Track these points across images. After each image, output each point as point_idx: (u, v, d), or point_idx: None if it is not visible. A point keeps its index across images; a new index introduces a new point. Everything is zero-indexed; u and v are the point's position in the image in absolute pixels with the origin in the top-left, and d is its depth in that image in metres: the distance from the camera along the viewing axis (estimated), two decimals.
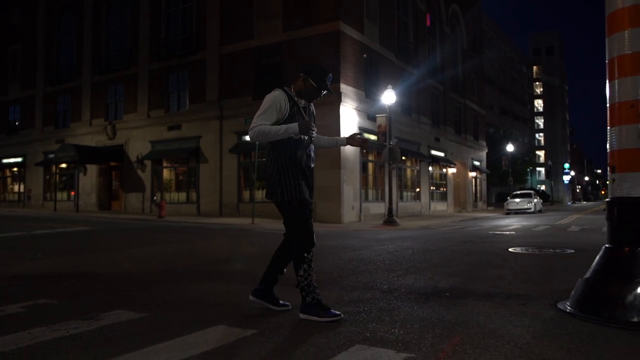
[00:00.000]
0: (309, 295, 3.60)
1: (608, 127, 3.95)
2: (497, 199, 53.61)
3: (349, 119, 20.00)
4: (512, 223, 19.08)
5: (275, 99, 3.69)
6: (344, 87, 19.84)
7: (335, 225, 17.58)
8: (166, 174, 25.70)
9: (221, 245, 9.98)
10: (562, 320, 3.58)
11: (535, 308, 3.93)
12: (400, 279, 5.37)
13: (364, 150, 21.75)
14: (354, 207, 20.48)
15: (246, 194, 22.01)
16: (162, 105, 25.21)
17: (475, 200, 38.31)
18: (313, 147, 3.92)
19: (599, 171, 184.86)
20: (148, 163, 25.35)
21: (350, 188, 20.15)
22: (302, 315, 3.59)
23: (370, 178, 22.98)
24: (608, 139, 3.95)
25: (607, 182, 4.01)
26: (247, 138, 20.91)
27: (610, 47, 3.93)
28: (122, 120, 26.85)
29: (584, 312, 3.68)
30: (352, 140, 3.97)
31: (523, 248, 8.73)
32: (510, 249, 8.53)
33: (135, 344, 2.95)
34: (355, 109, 20.63)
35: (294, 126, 3.62)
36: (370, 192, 22.75)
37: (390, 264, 6.54)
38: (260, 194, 21.41)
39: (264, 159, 20.24)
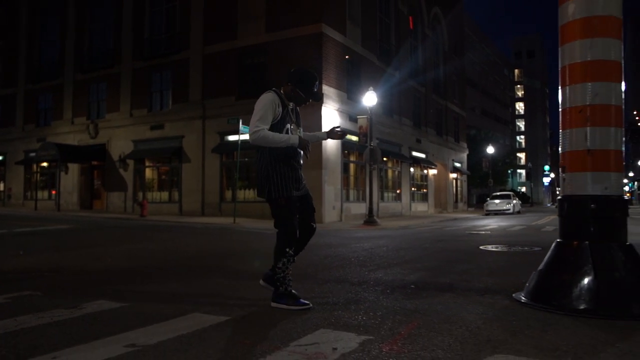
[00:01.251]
0: (282, 285, 3.86)
1: (560, 130, 4.26)
2: (477, 200, 54.38)
3: (331, 120, 20.28)
4: (490, 223, 19.51)
5: (271, 101, 3.89)
6: (326, 89, 20.11)
7: (317, 225, 17.81)
8: (148, 173, 25.75)
9: (202, 243, 10.18)
10: (515, 308, 3.87)
11: (492, 299, 4.22)
12: (370, 273, 5.65)
13: (346, 151, 22.06)
14: (335, 207, 20.77)
15: (228, 194, 22.17)
16: (145, 104, 25.25)
17: (456, 201, 38.87)
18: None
19: None
20: (130, 162, 25.38)
21: (331, 188, 20.44)
22: (273, 304, 3.84)
23: (352, 179, 23.29)
24: (560, 141, 4.26)
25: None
26: (230, 138, 21.17)
27: (563, 56, 4.24)
28: (104, 119, 26.82)
29: (536, 301, 3.98)
30: (331, 134, 4.21)
31: (494, 246, 9.07)
32: (481, 247, 8.87)
33: (117, 329, 3.18)
34: (337, 110, 20.91)
35: (295, 139, 3.84)
36: (352, 193, 23.06)
37: (363, 260, 6.82)
38: (242, 194, 21.61)
39: (245, 159, 20.49)
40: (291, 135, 3.89)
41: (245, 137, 18.39)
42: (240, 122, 17.61)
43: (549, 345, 2.89)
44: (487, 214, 31.17)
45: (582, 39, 4.07)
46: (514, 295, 4.28)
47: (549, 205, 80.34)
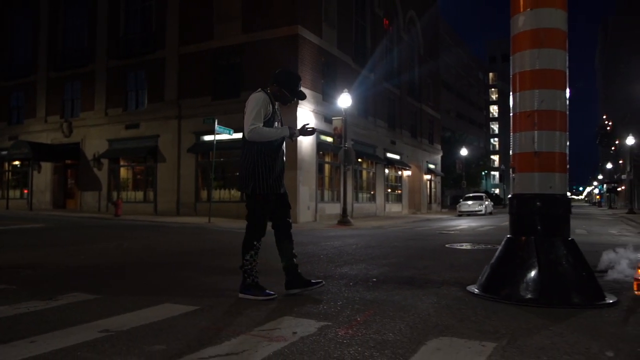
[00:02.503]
0: (250, 277, 4.09)
1: (511, 134, 4.59)
2: (451, 202, 55.15)
3: (306, 121, 20.48)
4: (461, 224, 19.97)
5: (263, 100, 4.15)
6: (303, 90, 20.29)
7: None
8: (123, 172, 25.62)
9: (176, 241, 10.32)
10: (466, 299, 4.17)
11: (447, 290, 4.52)
12: (337, 268, 5.91)
13: (320, 152, 22.32)
14: (310, 207, 21.02)
15: (204, 194, 22.23)
16: (120, 103, 25.14)
17: (430, 202, 39.43)
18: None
19: None
20: (105, 161, 25.22)
21: (306, 189, 20.68)
22: (240, 295, 4.07)
23: (327, 179, 23.56)
24: (511, 144, 4.58)
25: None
26: (206, 138, 21.26)
27: (514, 64, 4.56)
28: (78, 118, 26.59)
29: (487, 292, 4.28)
30: (303, 131, 4.45)
31: (459, 244, 9.42)
32: (447, 245, 9.21)
33: (91, 317, 3.37)
34: (313, 111, 21.16)
35: (286, 130, 4.18)
36: (326, 193, 23.33)
37: (331, 257, 7.08)
38: (218, 194, 21.70)
39: (221, 159, 20.62)
40: (282, 128, 4.22)
41: (221, 137, 18.62)
42: (216, 123, 17.72)
43: (490, 329, 3.18)
44: (459, 215, 31.73)
45: (530, 49, 4.40)
46: (467, 287, 4.58)
47: None
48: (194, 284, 4.87)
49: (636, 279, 4.40)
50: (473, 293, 4.36)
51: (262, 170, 4.13)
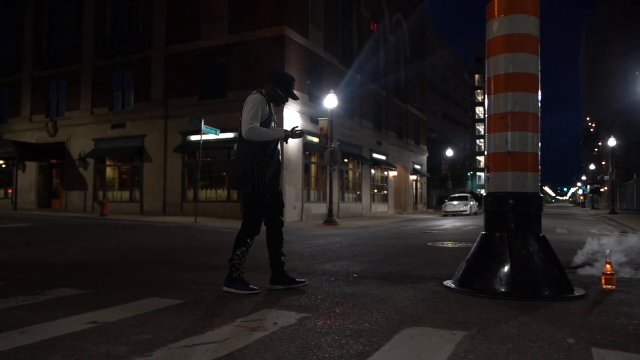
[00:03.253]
0: (236, 271, 4.23)
1: (486, 134, 4.77)
2: (437, 202, 55.57)
3: (293, 122, 20.63)
4: (445, 224, 20.22)
5: (260, 102, 4.32)
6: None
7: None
8: (109, 172, 25.55)
9: (161, 239, 10.40)
10: (442, 292, 4.34)
11: (425, 285, 4.69)
12: (319, 265, 6.06)
13: (307, 152, 22.46)
14: (296, 207, 21.15)
15: (190, 193, 22.27)
16: (106, 103, 25.07)
17: (416, 202, 39.75)
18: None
19: None
20: (91, 161, 25.14)
21: (292, 189, 20.81)
22: (224, 288, 4.21)
23: (313, 179, 23.72)
24: (486, 144, 4.76)
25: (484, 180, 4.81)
26: (192, 138, 21.31)
27: (489, 68, 4.74)
28: (64, 117, 26.46)
29: (462, 286, 4.46)
30: (292, 134, 4.59)
31: (441, 243, 9.62)
32: (429, 244, 9.41)
33: (79, 310, 3.49)
34: (299, 111, 21.29)
35: (282, 132, 4.34)
36: (312, 193, 23.48)
37: (315, 254, 7.24)
38: (204, 194, 21.75)
39: (207, 159, 20.69)
40: (277, 129, 4.39)
41: (207, 137, 18.69)
42: (203, 122, 17.78)
43: (462, 319, 3.35)
44: (445, 215, 32.05)
45: (504, 53, 4.58)
46: (444, 282, 4.75)
47: None
48: (179, 279, 4.99)
49: (604, 274, 4.60)
50: (449, 287, 4.53)
51: (260, 170, 4.28)
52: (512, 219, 4.45)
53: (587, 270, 5.47)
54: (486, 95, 4.78)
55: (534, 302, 3.93)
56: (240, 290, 4.15)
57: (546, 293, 4.15)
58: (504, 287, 4.18)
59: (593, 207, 59.46)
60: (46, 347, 2.64)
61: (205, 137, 18.41)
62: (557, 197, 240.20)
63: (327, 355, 2.56)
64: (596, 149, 65.86)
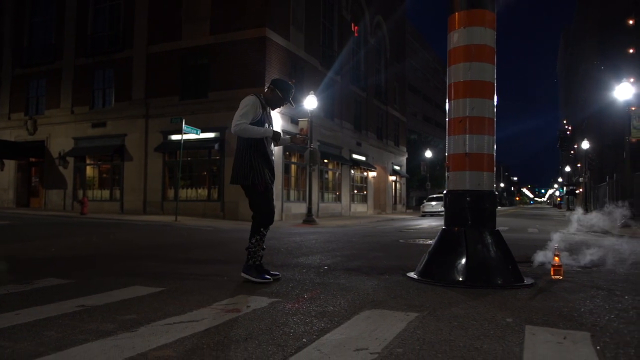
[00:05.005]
0: (252, 259, 4.56)
1: (447, 136, 5.16)
2: (417, 202, 56.24)
3: (273, 122, 20.91)
4: (422, 223, 20.73)
5: (253, 103, 4.64)
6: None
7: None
8: (89, 171, 25.57)
9: (143, 237, 10.65)
10: (404, 282, 4.71)
11: (389, 276, 5.06)
12: (293, 259, 6.41)
13: (287, 153, 22.78)
14: (276, 206, 21.39)
15: (170, 193, 22.43)
16: (87, 101, 25.09)
17: (395, 203, 40.30)
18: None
19: (515, 178, 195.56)
20: (70, 160, 25.13)
21: None
22: (242, 274, 4.56)
23: (293, 179, 24.04)
24: (447, 145, 5.15)
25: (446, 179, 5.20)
26: (173, 137, 21.46)
27: (449, 75, 5.13)
28: (43, 115, 26.40)
29: (423, 277, 4.83)
30: (294, 139, 4.97)
31: (413, 240, 10.03)
32: (401, 241, 9.81)
33: (67, 296, 3.78)
34: (280, 112, 21.57)
35: (270, 131, 4.67)
36: (292, 193, 23.81)
37: (290, 250, 7.58)
38: (184, 193, 21.94)
39: (188, 159, 20.89)
40: (266, 128, 4.69)
41: (188, 136, 18.91)
42: (184, 122, 18.00)
43: (417, 303, 3.72)
44: (423, 215, 32.61)
45: (464, 62, 4.98)
46: (407, 273, 5.13)
47: None
48: (161, 271, 5.30)
49: (552, 265, 5.02)
50: (412, 278, 4.91)
51: (258, 164, 4.60)
52: (469, 214, 4.84)
53: (542, 263, 5.89)
54: (447, 101, 5.17)
55: (486, 290, 4.32)
56: (253, 278, 4.48)
57: (498, 282, 4.55)
58: (461, 277, 4.57)
59: (569, 209, 60.75)
60: (40, 325, 2.94)
61: (186, 136, 18.63)
62: (535, 198, 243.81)
63: (292, 330, 2.90)
64: (572, 152, 67.19)
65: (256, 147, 4.64)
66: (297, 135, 4.99)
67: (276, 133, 4.72)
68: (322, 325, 3.03)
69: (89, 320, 3.08)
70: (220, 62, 21.45)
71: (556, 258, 5.02)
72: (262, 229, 4.61)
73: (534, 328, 3.05)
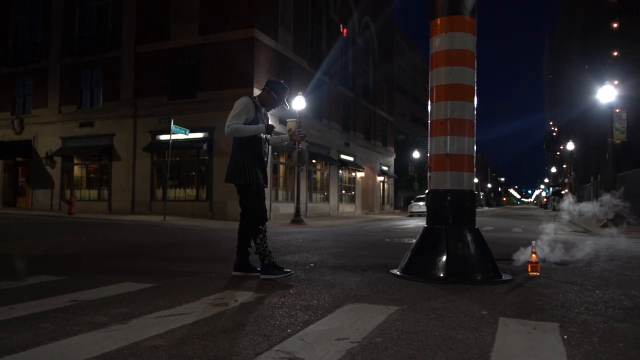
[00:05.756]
0: (266, 258, 4.69)
1: (429, 138, 5.33)
2: (404, 203, 56.53)
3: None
4: (409, 223, 20.96)
5: (246, 104, 4.77)
6: (257, 92, 20.81)
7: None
8: (77, 171, 25.49)
9: (132, 236, 10.73)
10: (387, 278, 4.88)
11: (373, 273, 5.23)
12: (280, 257, 6.55)
13: (275, 153, 22.90)
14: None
15: (159, 193, 22.45)
16: (75, 101, 25.01)
17: (383, 203, 40.55)
18: (269, 145, 5.05)
19: (502, 179, 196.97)
20: (58, 159, 25.04)
21: None
22: (262, 276, 4.66)
23: (281, 179, 24.17)
24: (429, 146, 5.33)
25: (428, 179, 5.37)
26: (162, 137, 21.49)
27: (432, 79, 5.31)
28: (30, 114, 26.25)
29: (405, 273, 5.00)
30: (294, 136, 5.09)
31: (399, 239, 10.22)
32: (386, 240, 10.00)
33: (59, 292, 3.90)
34: (268, 112, 21.67)
35: (262, 127, 4.78)
36: (281, 193, 23.93)
37: (277, 249, 7.70)
38: (173, 193, 21.98)
39: (177, 159, 20.94)
40: (257, 125, 4.78)
41: (177, 136, 18.97)
42: (172, 122, 18.06)
43: (398, 297, 3.89)
44: (411, 216, 32.86)
45: (445, 67, 5.16)
46: (391, 270, 5.29)
47: None
48: (151, 268, 5.42)
49: (530, 262, 5.21)
50: (394, 274, 5.08)
51: (250, 164, 4.73)
52: (449, 213, 5.02)
53: (522, 261, 6.09)
54: (429, 104, 5.34)
55: (466, 285, 4.50)
56: (276, 275, 4.61)
57: (477, 278, 4.73)
58: (441, 273, 4.75)
59: (554, 209, 61.42)
60: (36, 318, 3.06)
61: (174, 136, 18.68)
62: (523, 199, 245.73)
63: (277, 322, 3.05)
64: (558, 153, 67.90)
65: (250, 147, 4.76)
66: (297, 132, 5.12)
67: (268, 126, 4.82)
68: (306, 317, 3.18)
69: (82, 313, 3.21)
70: (208, 62, 21.52)
71: (533, 255, 5.22)
72: (260, 227, 4.74)
73: (507, 320, 3.23)
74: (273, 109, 5.19)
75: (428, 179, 5.29)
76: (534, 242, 5.41)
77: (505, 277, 4.85)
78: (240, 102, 4.78)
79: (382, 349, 2.52)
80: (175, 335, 2.71)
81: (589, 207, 8.76)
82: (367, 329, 2.90)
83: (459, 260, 4.81)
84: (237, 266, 4.90)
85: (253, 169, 4.73)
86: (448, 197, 5.03)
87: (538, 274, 5.15)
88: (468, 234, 4.96)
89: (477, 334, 2.85)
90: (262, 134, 4.86)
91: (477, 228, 5.08)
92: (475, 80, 5.22)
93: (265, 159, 4.94)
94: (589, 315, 3.39)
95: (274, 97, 4.98)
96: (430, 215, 5.22)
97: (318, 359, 2.34)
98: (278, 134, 5.52)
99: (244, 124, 4.70)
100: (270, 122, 4.97)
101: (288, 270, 4.73)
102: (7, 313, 3.18)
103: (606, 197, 8.18)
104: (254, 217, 4.76)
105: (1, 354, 2.34)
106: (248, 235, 4.89)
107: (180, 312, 3.29)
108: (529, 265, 5.22)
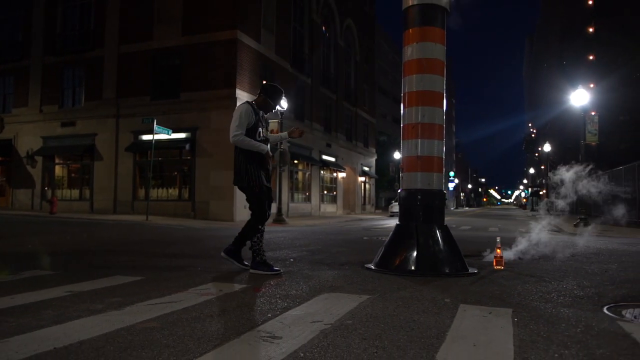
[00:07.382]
0: (258, 256, 4.99)
1: (401, 140, 5.69)
2: (386, 203, 57.06)
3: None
4: (389, 223, 21.37)
5: (246, 111, 5.04)
6: (240, 93, 21.09)
7: (228, 223, 18.81)
8: (58, 170, 25.46)
9: (116, 235, 10.93)
10: (362, 271, 5.22)
11: (349, 267, 5.57)
12: None
13: None
14: (246, 206, 21.40)
15: (141, 192, 22.56)
16: (56, 100, 24.97)
17: (364, 203, 41.01)
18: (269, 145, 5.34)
19: (482, 180, 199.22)
20: (39, 159, 24.99)
21: None
22: (252, 271, 4.96)
23: None
24: (401, 148, 5.68)
25: (400, 179, 5.73)
26: (144, 137, 21.61)
27: (404, 85, 5.66)
28: (11, 113, 26.12)
29: (379, 267, 5.35)
30: (292, 133, 5.38)
31: (377, 237, 10.58)
32: (364, 237, 10.36)
33: (55, 284, 4.17)
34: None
35: (265, 149, 5.07)
36: None
37: None
38: (155, 193, 22.11)
39: (159, 159, 21.09)
40: (262, 145, 5.06)
41: (159, 136, 19.14)
42: (155, 122, 18.22)
43: (370, 288, 4.23)
44: (391, 215, 33.30)
45: (417, 74, 5.52)
46: (366, 265, 5.64)
47: (452, 209, 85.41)
48: (139, 264, 5.69)
49: (495, 257, 5.60)
50: (369, 268, 5.42)
51: (253, 168, 5.01)
52: (420, 211, 5.38)
53: (490, 257, 6.48)
54: (402, 108, 5.70)
55: (434, 278, 4.86)
56: (265, 272, 4.90)
57: (446, 271, 5.10)
58: (412, 266, 5.10)
59: (533, 209, 62.54)
60: (37, 306, 3.34)
61: (157, 136, 18.85)
62: (502, 199, 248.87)
63: (259, 308, 3.37)
64: (536, 154, 69.10)
65: (254, 153, 5.03)
66: (295, 129, 5.43)
67: (267, 155, 5.10)
68: (285, 304, 3.51)
69: (79, 302, 3.49)
70: (191, 63, 21.71)
71: (498, 250, 5.60)
72: (259, 226, 5.04)
73: (466, 306, 3.59)
74: (271, 112, 5.48)
75: (400, 179, 5.65)
76: (498, 239, 5.79)
77: (471, 270, 5.23)
78: (240, 110, 5.05)
79: (351, 329, 2.86)
80: (167, 319, 3.01)
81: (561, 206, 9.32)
82: (340, 314, 3.23)
83: (428, 254, 5.17)
84: (229, 251, 5.18)
85: (256, 172, 5.02)
86: (419, 196, 5.39)
87: (502, 267, 5.54)
88: (437, 231, 5.33)
89: (437, 318, 3.20)
90: (261, 134, 5.14)
91: (446, 225, 5.45)
92: (445, 87, 5.59)
93: (270, 165, 5.25)
94: (540, 303, 3.77)
95: (270, 103, 5.26)
96: (402, 213, 5.58)
97: (294, 337, 2.66)
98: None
99: (245, 128, 4.97)
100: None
101: (277, 269, 5.02)
102: (8, 302, 3.45)
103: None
104: (255, 215, 5.06)
105: (11, 334, 2.62)
106: (251, 232, 5.15)
107: (170, 300, 3.59)
108: (494, 260, 5.61)
